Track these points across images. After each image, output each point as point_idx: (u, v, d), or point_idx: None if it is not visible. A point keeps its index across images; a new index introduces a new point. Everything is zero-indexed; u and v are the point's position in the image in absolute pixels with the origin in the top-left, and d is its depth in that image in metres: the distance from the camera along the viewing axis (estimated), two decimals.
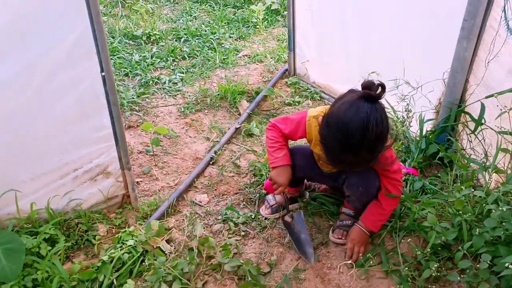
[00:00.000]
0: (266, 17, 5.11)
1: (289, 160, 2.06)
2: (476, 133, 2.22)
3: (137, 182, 2.62)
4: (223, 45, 4.47)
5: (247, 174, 2.71)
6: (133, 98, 3.42)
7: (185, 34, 4.62)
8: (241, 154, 2.87)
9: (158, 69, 3.99)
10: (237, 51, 4.36)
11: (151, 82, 3.71)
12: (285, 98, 3.50)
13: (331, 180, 2.15)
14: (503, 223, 1.67)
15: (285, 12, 4.84)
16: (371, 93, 1.64)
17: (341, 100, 1.70)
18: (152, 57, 4.15)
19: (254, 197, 2.49)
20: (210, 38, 4.55)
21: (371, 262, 1.95)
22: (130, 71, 3.86)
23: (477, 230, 1.70)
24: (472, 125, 2.25)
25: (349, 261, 2.00)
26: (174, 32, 4.67)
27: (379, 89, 1.66)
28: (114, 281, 1.97)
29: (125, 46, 4.36)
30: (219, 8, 5.37)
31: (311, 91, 3.55)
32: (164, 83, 3.70)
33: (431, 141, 2.43)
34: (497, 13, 2.03)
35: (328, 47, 3.41)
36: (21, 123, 1.94)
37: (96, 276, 1.98)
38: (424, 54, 2.52)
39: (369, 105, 1.62)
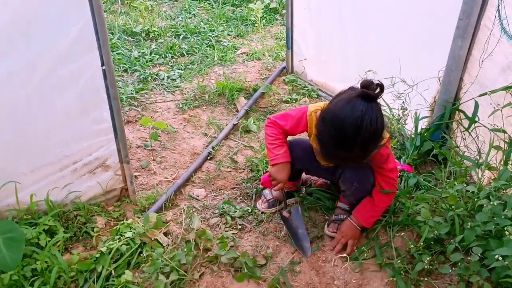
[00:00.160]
0: (265, 15, 5.14)
1: (289, 157, 2.10)
2: (469, 130, 2.26)
3: (135, 176, 2.65)
4: (221, 42, 4.50)
5: (244, 169, 2.74)
6: (132, 93, 3.45)
7: (184, 31, 4.65)
8: (238, 150, 2.91)
9: (157, 65, 4.02)
10: (236, 49, 4.39)
11: (149, 78, 3.74)
12: (282, 95, 3.54)
13: (328, 174, 2.19)
14: (494, 218, 1.71)
15: (284, 11, 4.88)
16: (368, 92, 1.67)
17: (339, 97, 1.74)
18: (151, 53, 4.18)
19: (251, 192, 2.52)
20: (209, 35, 4.59)
21: (365, 255, 1.99)
22: (129, 67, 3.89)
23: (469, 224, 1.73)
24: (466, 123, 2.29)
25: (333, 251, 2.06)
26: (173, 29, 4.70)
27: (377, 89, 1.69)
28: (112, 272, 1.99)
29: (124, 43, 4.38)
30: (218, 6, 5.40)
31: (308, 89, 3.59)
32: (163, 79, 3.73)
33: (426, 138, 2.47)
34: (492, 13, 2.07)
35: (326, 46, 3.44)
36: (22, 115, 1.97)
37: (94, 266, 2.00)
38: (420, 53, 2.56)
39: (365, 103, 1.65)
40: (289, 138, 2.22)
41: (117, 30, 4.57)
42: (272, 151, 2.09)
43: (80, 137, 2.16)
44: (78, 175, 2.25)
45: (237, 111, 3.36)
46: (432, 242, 1.92)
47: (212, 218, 2.36)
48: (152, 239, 2.15)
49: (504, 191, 1.86)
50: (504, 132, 1.98)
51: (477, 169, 2.08)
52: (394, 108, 2.68)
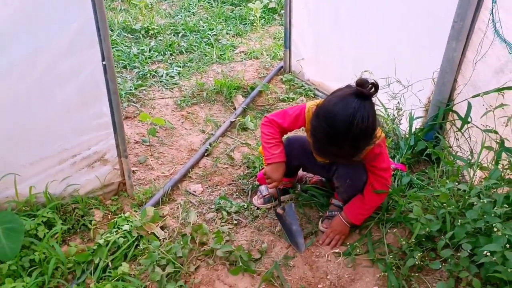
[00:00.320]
0: (263, 15, 5.18)
1: (284, 157, 2.12)
2: (462, 131, 2.30)
3: (133, 171, 2.68)
4: (220, 41, 4.54)
5: (240, 166, 2.78)
6: (130, 89, 3.48)
7: (183, 29, 4.69)
8: (235, 147, 2.94)
9: (156, 62, 4.06)
10: (234, 48, 4.43)
11: (148, 75, 3.77)
12: (279, 94, 3.57)
13: (324, 170, 2.23)
14: (485, 216, 1.75)
15: (282, 11, 4.91)
16: (363, 90, 1.71)
17: (334, 94, 1.78)
18: (150, 50, 4.21)
19: (247, 188, 2.56)
20: (208, 34, 4.62)
21: (358, 250, 2.03)
22: (128, 63, 3.92)
23: (459, 221, 1.77)
24: (459, 123, 2.33)
25: (322, 245, 2.11)
26: (172, 27, 4.74)
27: (372, 88, 1.73)
28: (109, 263, 2.03)
29: (124, 39, 4.41)
30: (217, 5, 5.44)
31: (305, 88, 3.63)
32: (162, 76, 3.76)
33: (420, 138, 2.51)
34: (485, 16, 2.11)
35: (323, 46, 3.48)
36: (23, 108, 2.00)
37: (91, 258, 2.04)
38: (415, 54, 2.60)
39: (358, 101, 1.69)
40: (288, 134, 2.26)
41: (117, 27, 4.60)
42: (268, 150, 2.12)
43: (80, 131, 2.19)
44: (77, 168, 2.28)
45: (235, 109, 3.39)
46: (423, 239, 1.96)
47: (209, 213, 2.40)
48: (149, 232, 2.18)
49: (495, 190, 1.90)
50: (496, 132, 2.02)
51: (469, 168, 2.12)
52: (390, 108, 2.72)
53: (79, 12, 1.90)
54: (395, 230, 2.06)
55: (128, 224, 2.17)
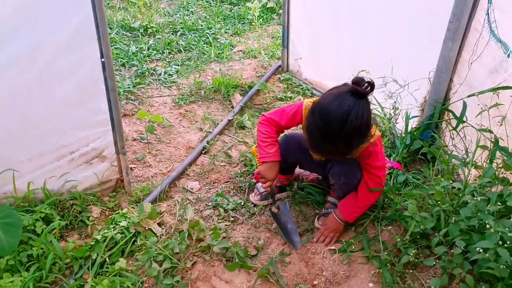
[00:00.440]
0: (262, 14, 5.20)
1: (279, 156, 2.14)
2: (457, 130, 2.32)
3: (131, 168, 2.70)
4: (218, 40, 4.56)
5: (238, 164, 2.79)
6: (129, 87, 3.49)
7: (181, 28, 4.71)
8: (232, 145, 2.96)
9: (154, 60, 4.07)
10: (232, 46, 4.44)
11: (147, 73, 3.79)
12: (277, 93, 3.59)
13: (320, 168, 2.24)
14: (478, 214, 1.77)
15: (281, 11, 4.93)
16: (358, 89, 1.72)
17: (330, 91, 1.80)
18: (148, 49, 4.22)
19: (244, 185, 2.58)
20: (206, 33, 4.64)
21: (353, 247, 2.05)
22: (127, 61, 3.93)
23: (453, 218, 1.79)
24: (455, 123, 2.35)
25: (316, 242, 2.14)
26: (171, 26, 4.75)
27: (368, 87, 1.75)
28: (107, 259, 2.05)
29: (122, 38, 4.43)
30: (216, 4, 5.46)
31: (303, 88, 3.65)
32: (160, 74, 3.78)
33: (416, 137, 2.53)
34: (481, 16, 2.13)
35: (321, 45, 3.50)
36: (22, 104, 2.01)
37: (89, 254, 2.06)
38: (411, 54, 2.62)
39: (353, 99, 1.71)
40: (285, 132, 2.27)
41: (116, 25, 4.61)
42: (264, 148, 2.13)
43: (78, 127, 2.20)
44: (75, 165, 2.29)
45: (232, 107, 3.41)
46: (418, 237, 1.98)
47: (206, 210, 2.41)
48: (146, 228, 2.20)
49: (489, 188, 1.92)
50: (491, 132, 2.04)
51: (464, 167, 2.14)
52: (386, 108, 2.74)
53: (78, 9, 1.91)
54: (390, 227, 2.08)
55: (125, 220, 2.19)
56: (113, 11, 5.03)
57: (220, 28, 4.81)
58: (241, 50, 4.36)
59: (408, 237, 1.94)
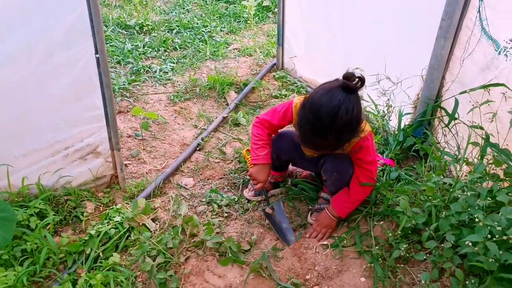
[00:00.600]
0: (257, 13, 5.22)
1: (270, 159, 2.19)
2: (449, 127, 2.34)
3: (126, 164, 2.71)
4: (214, 38, 4.57)
5: (232, 160, 2.81)
6: (124, 84, 3.50)
7: (177, 26, 4.72)
8: (227, 142, 2.98)
9: (150, 58, 4.08)
10: (228, 44, 4.46)
11: (142, 70, 3.80)
12: (272, 91, 3.61)
13: (312, 164, 2.26)
14: (469, 209, 1.79)
15: (276, 9, 4.94)
16: (349, 83, 1.74)
17: (321, 86, 1.81)
18: (144, 46, 4.23)
19: (238, 182, 2.60)
20: (202, 31, 4.65)
21: (345, 242, 2.06)
22: (122, 59, 3.94)
23: (444, 213, 1.81)
24: (447, 120, 2.37)
25: (309, 237, 2.15)
26: (166, 24, 4.76)
27: (358, 82, 1.76)
28: (100, 254, 2.06)
29: (118, 35, 4.43)
30: (212, 2, 5.47)
31: (297, 85, 3.66)
32: (155, 72, 3.79)
33: (409, 134, 2.55)
34: (473, 14, 2.15)
35: (315, 43, 3.52)
36: (17, 100, 2.02)
37: (83, 248, 2.07)
38: (404, 51, 2.63)
39: (344, 94, 1.73)
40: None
41: (111, 23, 4.61)
42: (255, 151, 2.19)
43: (73, 123, 2.21)
44: (69, 160, 2.30)
45: (227, 104, 3.42)
46: (409, 232, 1.99)
47: (200, 206, 2.43)
48: (140, 224, 2.21)
49: (479, 184, 1.94)
50: (482, 128, 2.05)
51: (455, 164, 2.16)
52: (380, 105, 2.76)
53: (73, 6, 1.92)
54: (382, 223, 2.10)
55: (119, 216, 2.20)
56: (109, 9, 5.04)
57: (215, 26, 4.82)
58: (236, 48, 4.38)
59: (399, 232, 1.96)
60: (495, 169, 1.94)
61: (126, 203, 2.38)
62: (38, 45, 1.93)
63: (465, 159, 2.10)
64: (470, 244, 1.60)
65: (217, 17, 5.10)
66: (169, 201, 2.45)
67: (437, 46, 2.33)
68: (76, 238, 2.14)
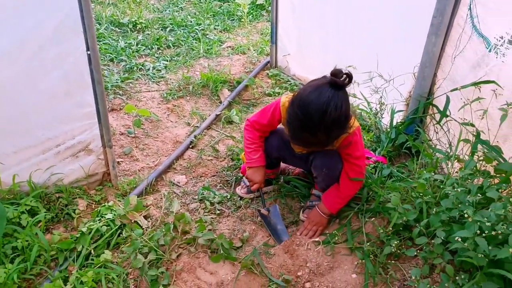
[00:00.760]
0: (251, 11, 5.22)
1: (264, 161, 2.25)
2: (441, 124, 2.35)
3: (118, 162, 2.70)
4: (207, 36, 4.56)
5: (225, 158, 2.81)
6: (117, 82, 3.49)
7: (171, 24, 4.71)
8: (220, 140, 2.98)
9: (143, 56, 4.08)
10: (221, 42, 4.46)
11: (135, 68, 3.78)
12: (265, 88, 3.61)
13: (302, 161, 2.27)
14: (459, 205, 1.79)
15: (270, 7, 4.94)
16: (337, 80, 1.75)
17: (309, 83, 1.82)
18: (137, 44, 4.22)
19: (231, 179, 2.60)
20: (195, 29, 4.65)
21: (337, 239, 2.07)
22: (115, 56, 3.93)
23: (434, 209, 1.82)
24: (439, 117, 2.38)
25: (300, 235, 2.15)
26: (160, 22, 4.76)
27: (346, 79, 1.77)
28: (92, 251, 2.05)
29: (111, 33, 4.42)
30: (206, 0, 5.46)
31: (291, 83, 3.67)
32: (148, 69, 3.78)
33: (401, 131, 2.56)
34: (464, 11, 2.16)
35: (308, 41, 3.53)
36: (7, 97, 2.01)
37: (74, 246, 2.06)
38: (396, 49, 2.64)
39: (332, 90, 1.74)
40: None
41: (105, 21, 4.60)
42: (249, 154, 2.24)
43: (64, 120, 2.20)
44: (61, 158, 2.29)
45: (220, 102, 3.42)
46: (401, 228, 2.00)
47: (192, 203, 2.43)
48: (132, 221, 2.21)
49: (470, 181, 1.95)
50: (473, 125, 2.06)
51: (447, 161, 2.17)
52: (372, 102, 2.77)
53: (64, 2, 1.91)
54: (374, 219, 2.10)
55: (111, 213, 2.19)
56: (102, 6, 5.02)
57: (209, 24, 4.82)
58: (230, 46, 4.37)
59: (391, 229, 1.97)
60: (486, 166, 1.95)
61: (118, 200, 2.38)
62: (28, 42, 1.92)
63: (456, 156, 2.11)
64: (460, 240, 1.61)
65: (211, 15, 5.10)
66: (162, 198, 2.45)
67: (429, 44, 2.34)
68: (67, 235, 2.13)
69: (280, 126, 2.23)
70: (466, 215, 1.63)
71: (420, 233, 1.85)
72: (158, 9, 5.18)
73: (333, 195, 2.14)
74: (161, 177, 2.62)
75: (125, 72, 3.71)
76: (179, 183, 2.59)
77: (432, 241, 1.79)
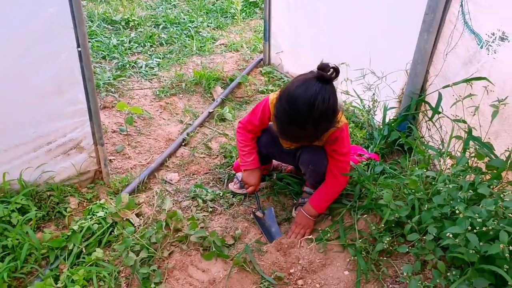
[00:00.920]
0: (245, 8, 5.20)
1: (258, 164, 2.26)
2: (433, 121, 2.36)
3: (110, 160, 2.69)
4: (200, 33, 4.55)
5: (217, 155, 2.80)
6: (109, 80, 3.47)
7: (163, 21, 4.69)
8: (212, 137, 2.97)
9: (136, 53, 4.05)
10: (214, 40, 4.44)
11: (128, 65, 3.77)
12: (258, 86, 3.60)
13: (290, 157, 2.27)
14: (451, 202, 1.80)
15: (263, 5, 4.94)
16: (324, 74, 1.75)
17: (297, 78, 1.83)
18: (130, 42, 4.20)
19: (223, 177, 2.59)
20: (188, 26, 4.63)
21: (329, 236, 2.07)
22: (108, 54, 3.91)
23: (426, 206, 1.82)
24: (431, 114, 2.38)
25: (288, 238, 2.14)
26: (153, 19, 4.74)
27: (333, 73, 1.77)
28: (83, 249, 2.03)
29: (104, 30, 4.39)
30: None
31: (284, 81, 3.66)
32: (141, 67, 3.76)
33: (393, 128, 2.56)
34: (456, 9, 2.16)
35: (302, 39, 3.52)
36: None
37: (66, 244, 2.04)
38: (389, 46, 2.64)
39: (320, 84, 1.74)
40: None
41: (97, 18, 4.57)
42: (243, 157, 2.25)
43: (55, 117, 2.19)
44: (52, 155, 2.27)
45: (213, 100, 3.41)
46: (393, 225, 2.01)
47: (184, 201, 2.42)
48: (124, 219, 2.20)
49: (462, 177, 1.96)
50: (464, 122, 2.07)
51: (439, 157, 2.17)
52: (365, 99, 2.77)
53: None
54: (366, 216, 2.10)
55: (103, 211, 2.18)
56: (94, 4, 4.99)
57: (202, 21, 4.80)
58: (223, 44, 4.36)
59: (383, 226, 1.96)
60: (477, 162, 1.96)
61: (110, 198, 2.36)
62: (18, 38, 1.90)
63: (448, 152, 2.11)
64: (451, 236, 1.61)
65: (204, 12, 5.08)
66: (154, 196, 2.44)
67: (421, 41, 2.34)
68: (58, 233, 2.11)
69: (269, 123, 2.23)
70: (457, 211, 1.63)
71: (412, 229, 1.85)
72: (151, 6, 5.15)
73: (321, 192, 2.15)
74: (153, 175, 2.61)
75: (117, 70, 3.69)
76: (171, 180, 2.58)
77: (424, 237, 1.79)
